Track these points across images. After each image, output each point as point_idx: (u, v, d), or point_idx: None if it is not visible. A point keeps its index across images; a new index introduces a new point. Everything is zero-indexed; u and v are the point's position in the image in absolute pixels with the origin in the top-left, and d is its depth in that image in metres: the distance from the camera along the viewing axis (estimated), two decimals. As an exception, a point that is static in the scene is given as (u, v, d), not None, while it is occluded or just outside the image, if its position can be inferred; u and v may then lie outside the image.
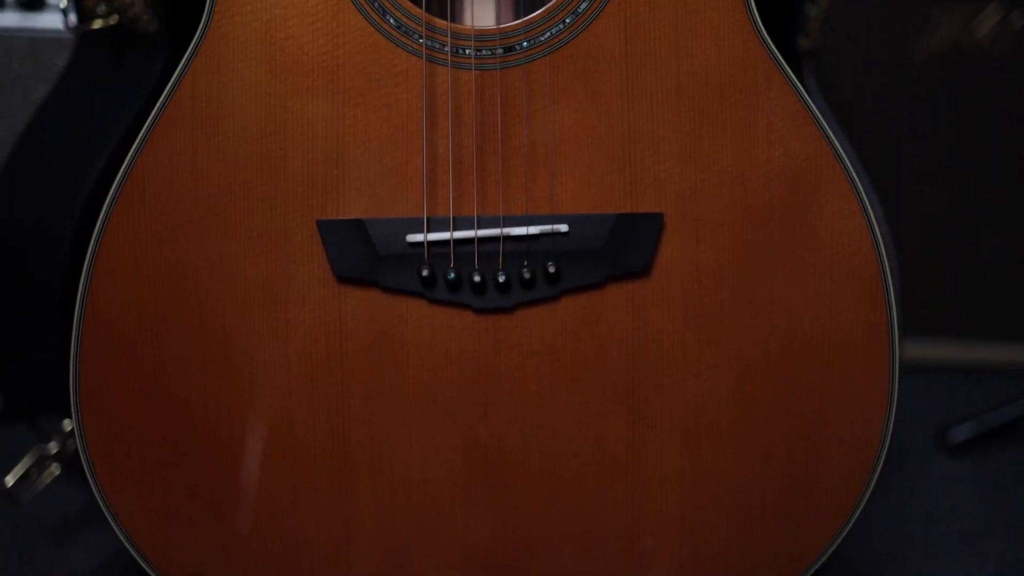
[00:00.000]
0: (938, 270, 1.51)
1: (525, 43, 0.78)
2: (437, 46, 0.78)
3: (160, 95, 0.98)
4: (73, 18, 1.07)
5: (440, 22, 0.78)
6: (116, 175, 0.99)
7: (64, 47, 1.32)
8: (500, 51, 0.78)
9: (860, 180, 1.06)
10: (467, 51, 0.78)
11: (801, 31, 1.07)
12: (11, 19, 1.33)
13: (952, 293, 1.52)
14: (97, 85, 1.10)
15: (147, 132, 0.79)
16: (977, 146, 1.51)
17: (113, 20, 1.05)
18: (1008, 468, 1.28)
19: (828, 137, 0.80)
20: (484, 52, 0.78)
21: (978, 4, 1.48)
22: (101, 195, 0.98)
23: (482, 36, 0.78)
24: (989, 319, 1.52)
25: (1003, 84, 1.50)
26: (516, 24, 0.78)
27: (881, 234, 1.03)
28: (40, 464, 1.10)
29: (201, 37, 0.78)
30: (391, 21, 0.78)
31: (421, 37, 0.77)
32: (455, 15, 0.88)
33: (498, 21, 0.88)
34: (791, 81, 0.79)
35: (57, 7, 1.33)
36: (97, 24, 1.06)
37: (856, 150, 1.14)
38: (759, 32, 0.79)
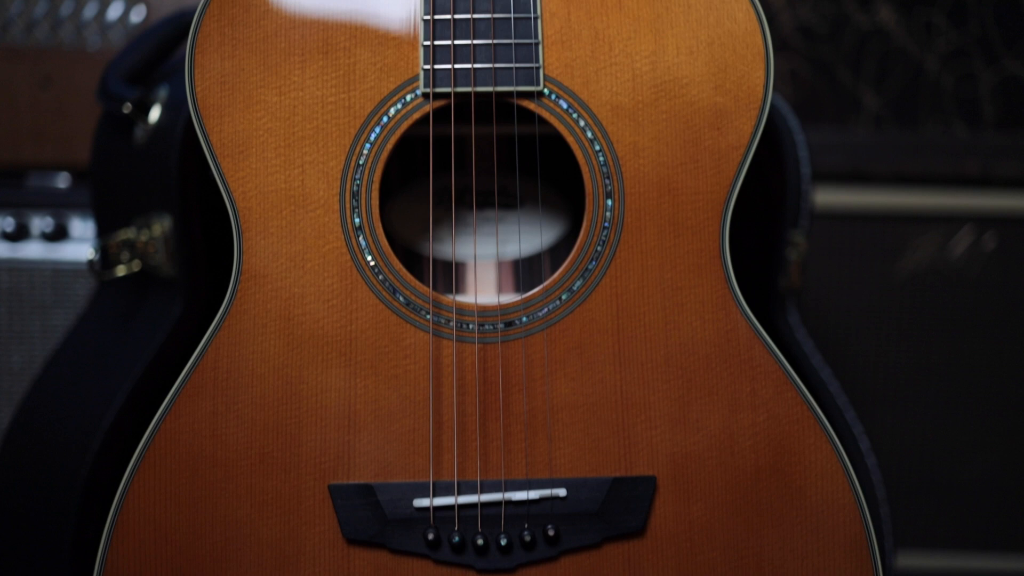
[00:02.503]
0: (928, 483, 1.54)
1: (524, 318, 0.84)
2: (443, 321, 0.84)
3: (177, 339, 1.04)
4: (98, 265, 1.13)
5: (446, 299, 0.84)
6: (133, 414, 1.04)
7: (84, 275, 1.39)
8: (501, 325, 0.84)
9: (845, 412, 1.12)
10: (470, 326, 0.84)
11: (783, 274, 1.14)
12: (35, 250, 1.40)
13: (942, 506, 1.55)
14: (117, 326, 1.16)
15: (171, 400, 0.84)
16: (959, 361, 1.56)
17: (136, 266, 1.12)
18: None
19: (808, 401, 0.86)
20: (486, 327, 0.84)
21: (952, 226, 1.56)
22: (118, 435, 1.03)
23: (484, 312, 0.84)
24: (980, 531, 1.55)
25: (978, 302, 1.56)
26: (516, 301, 0.84)
27: (870, 467, 1.08)
28: None
29: (225, 313, 0.84)
30: (400, 299, 0.84)
31: (428, 313, 0.84)
32: (459, 284, 0.95)
33: (499, 289, 0.95)
34: (771, 350, 0.85)
35: (80, 238, 1.41)
36: (121, 271, 1.12)
37: (840, 379, 1.19)
38: (740, 306, 0.85)
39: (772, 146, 1.12)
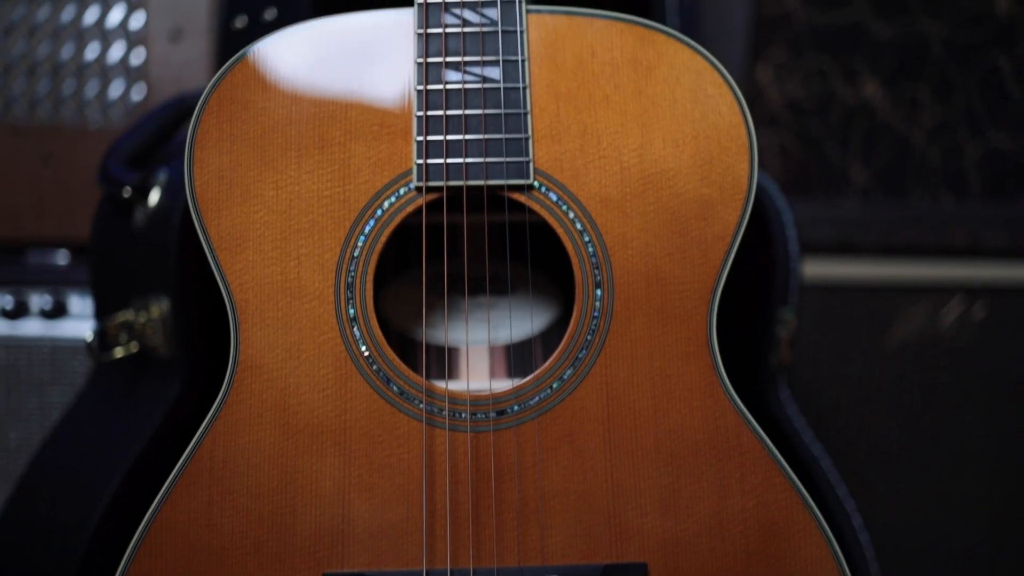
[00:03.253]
0: (922, 553, 1.55)
1: (516, 407, 0.85)
2: (436, 410, 0.85)
3: (174, 419, 1.05)
4: (96, 347, 1.15)
5: (438, 388, 0.86)
6: (130, 495, 1.05)
7: (82, 352, 1.40)
8: (493, 414, 0.85)
9: (837, 488, 1.12)
10: (463, 415, 0.85)
11: (773, 351, 1.16)
12: (34, 327, 1.42)
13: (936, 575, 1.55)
14: (115, 406, 1.17)
15: (168, 489, 0.85)
16: (950, 431, 1.57)
17: (134, 348, 1.13)
18: None
19: (797, 487, 0.87)
20: (479, 415, 0.85)
21: (942, 297, 1.58)
22: (115, 516, 1.04)
23: (476, 401, 0.85)
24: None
25: (969, 371, 1.58)
26: (508, 390, 0.86)
27: (863, 543, 1.08)
28: None
29: (221, 403, 0.85)
30: (394, 388, 0.86)
31: (421, 403, 0.85)
32: (453, 368, 0.96)
33: (491, 374, 0.96)
34: (759, 436, 0.87)
35: (79, 316, 1.42)
36: (119, 353, 1.14)
37: (832, 449, 1.20)
38: (728, 392, 0.87)
39: (760, 226, 1.14)
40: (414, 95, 0.86)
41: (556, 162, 0.86)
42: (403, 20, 0.87)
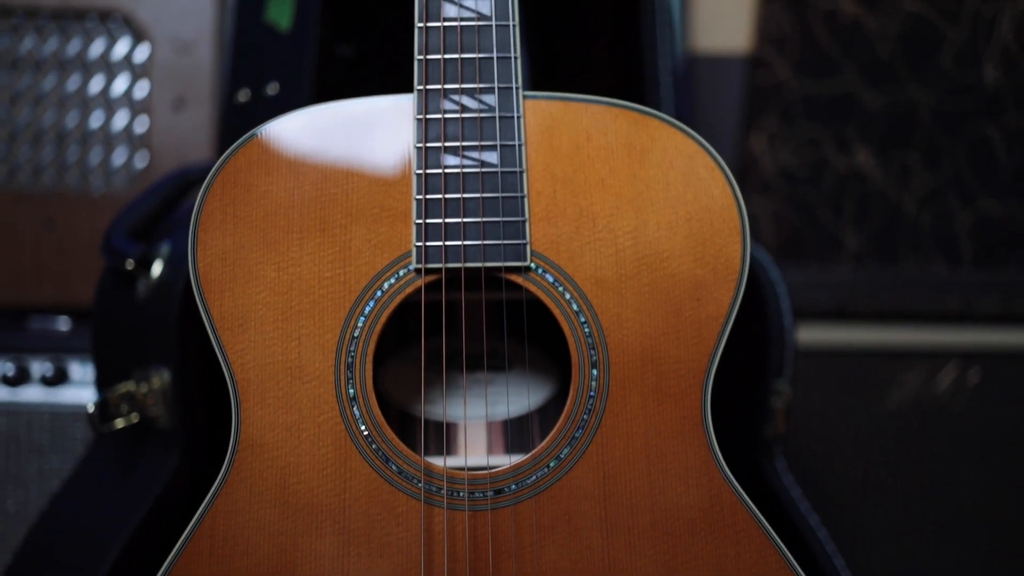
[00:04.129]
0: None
1: (513, 486, 0.86)
2: (434, 489, 0.86)
3: (174, 490, 1.06)
4: (97, 419, 1.15)
5: (436, 467, 0.87)
6: (129, 566, 1.05)
7: (82, 419, 1.41)
8: (491, 493, 0.86)
9: (835, 559, 1.13)
10: (461, 493, 0.86)
11: (768, 422, 1.17)
12: (34, 394, 1.43)
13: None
14: (115, 475, 1.18)
15: (169, 566, 0.86)
16: (946, 495, 1.58)
17: (134, 418, 1.14)
18: None
19: (791, 565, 0.87)
20: (476, 495, 0.86)
21: (936, 362, 1.59)
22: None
23: (474, 480, 0.86)
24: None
25: (964, 435, 1.59)
26: (505, 468, 0.87)
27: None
28: None
29: (222, 481, 0.86)
30: (393, 467, 0.87)
31: (420, 482, 0.86)
32: (451, 444, 0.98)
33: (489, 449, 0.97)
34: (754, 514, 0.88)
35: (79, 382, 1.43)
36: (120, 424, 1.15)
37: (829, 514, 1.21)
38: (723, 471, 0.88)
39: (754, 298, 1.16)
40: (414, 178, 0.88)
41: (553, 244, 0.88)
42: (402, 106, 0.89)
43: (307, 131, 0.88)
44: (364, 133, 0.88)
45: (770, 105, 1.63)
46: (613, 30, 1.40)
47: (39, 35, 1.62)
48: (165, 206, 1.23)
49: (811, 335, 1.57)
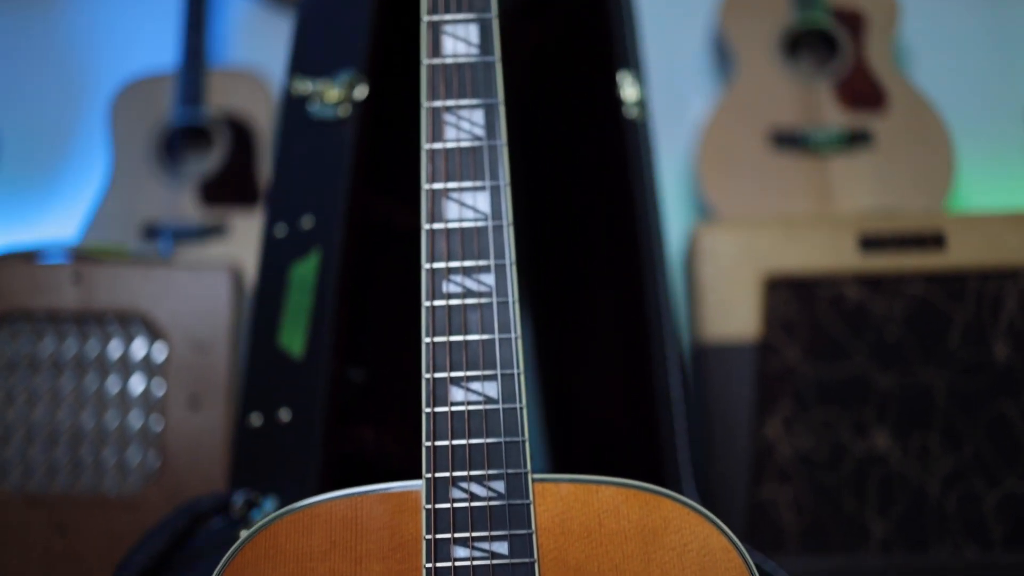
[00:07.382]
0: None
1: None
2: None
3: None
4: None
5: None
6: None
7: None
8: None
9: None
10: None
11: None
12: None
13: None
14: None
15: None
16: None
17: None
18: None
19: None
20: None
21: None
22: None
23: None
24: None
25: None
26: None
27: None
28: None
29: None
30: None
31: None
32: None
33: None
34: None
35: None
36: None
37: None
38: None
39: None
40: (423, 572, 0.86)
41: (566, 638, 0.85)
42: (411, 494, 0.88)
43: (314, 528, 0.87)
44: (370, 525, 0.87)
45: (783, 390, 1.62)
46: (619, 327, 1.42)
47: (59, 337, 1.65)
48: (174, 542, 1.22)
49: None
